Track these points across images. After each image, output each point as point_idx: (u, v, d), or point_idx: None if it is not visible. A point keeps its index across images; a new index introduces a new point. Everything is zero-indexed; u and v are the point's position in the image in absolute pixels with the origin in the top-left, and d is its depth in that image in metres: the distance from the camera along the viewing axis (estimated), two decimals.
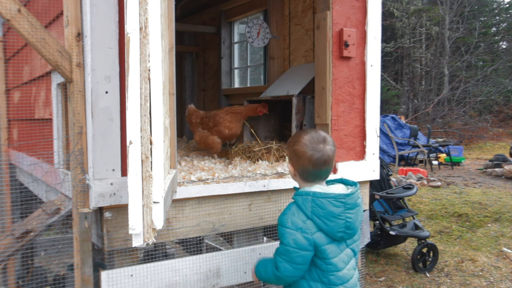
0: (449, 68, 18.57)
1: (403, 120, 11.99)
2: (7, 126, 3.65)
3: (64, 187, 2.21)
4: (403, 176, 8.32)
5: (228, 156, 3.44)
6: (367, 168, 2.87)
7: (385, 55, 18.96)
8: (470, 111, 17.58)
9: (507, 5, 20.43)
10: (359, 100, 2.82)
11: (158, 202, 1.42)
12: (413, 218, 4.62)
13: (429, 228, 5.53)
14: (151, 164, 1.40)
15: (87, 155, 1.97)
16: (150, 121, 1.40)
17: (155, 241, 1.42)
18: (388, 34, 19.61)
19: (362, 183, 2.83)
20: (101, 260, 2.05)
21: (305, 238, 1.74)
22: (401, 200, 4.72)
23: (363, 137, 2.86)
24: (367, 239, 2.92)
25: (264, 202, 2.51)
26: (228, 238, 2.54)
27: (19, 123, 3.48)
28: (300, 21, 3.92)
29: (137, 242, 1.36)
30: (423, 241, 4.34)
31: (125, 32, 1.33)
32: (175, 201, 2.17)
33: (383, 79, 17.94)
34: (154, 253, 2.57)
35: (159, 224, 1.41)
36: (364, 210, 2.77)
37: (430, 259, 4.32)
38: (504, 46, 20.80)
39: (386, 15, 18.13)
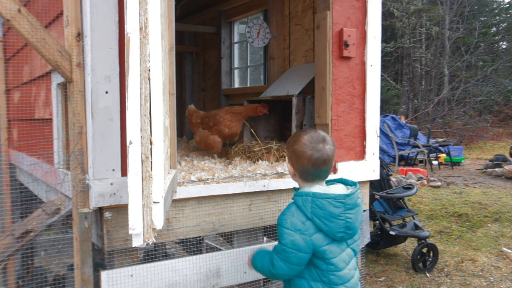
0: (449, 68, 18.57)
1: (403, 120, 11.99)
2: (7, 126, 3.65)
3: (64, 187, 2.21)
4: (403, 176, 8.32)
5: (228, 156, 3.44)
6: (367, 168, 2.87)
7: (385, 55, 18.96)
8: (470, 111, 17.58)
9: (507, 5, 20.43)
10: (359, 100, 2.82)
11: (158, 202, 1.42)
12: (413, 218, 4.62)
13: (429, 228, 5.53)
14: (151, 164, 1.40)
15: (87, 155, 1.97)
16: (150, 121, 1.40)
17: (155, 241, 1.42)
18: (388, 34, 19.61)
19: (362, 183, 2.83)
20: (101, 260, 2.05)
21: (303, 240, 1.74)
22: (401, 200, 4.72)
23: (363, 137, 2.86)
24: (367, 239, 2.92)
25: (264, 202, 2.51)
26: (228, 238, 2.54)
27: (19, 123, 3.47)
28: (300, 21, 3.91)
29: (137, 242, 1.36)
30: (423, 241, 4.34)
31: (125, 32, 1.33)
32: (175, 201, 2.17)
33: (383, 79, 17.95)
34: (154, 253, 2.56)
35: (159, 224, 1.42)
36: (364, 210, 2.77)
37: (430, 259, 4.32)
38: (504, 46, 20.81)
39: (386, 15, 18.13)
